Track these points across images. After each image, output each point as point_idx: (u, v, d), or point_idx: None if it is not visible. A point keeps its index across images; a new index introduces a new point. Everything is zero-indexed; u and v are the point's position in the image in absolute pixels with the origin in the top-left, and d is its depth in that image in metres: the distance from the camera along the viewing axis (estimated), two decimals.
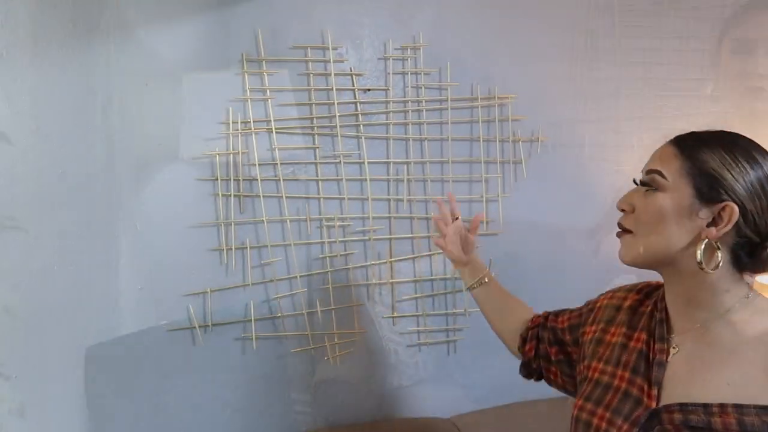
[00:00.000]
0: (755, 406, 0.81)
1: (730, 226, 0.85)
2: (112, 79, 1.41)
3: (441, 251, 1.42)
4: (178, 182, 1.48)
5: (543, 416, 1.68)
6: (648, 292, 1.05)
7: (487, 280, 1.33)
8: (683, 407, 0.85)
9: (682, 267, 0.90)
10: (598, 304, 1.11)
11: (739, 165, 0.86)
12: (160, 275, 1.48)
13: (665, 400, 0.88)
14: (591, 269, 1.88)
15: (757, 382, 0.83)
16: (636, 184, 0.95)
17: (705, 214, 0.87)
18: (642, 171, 0.94)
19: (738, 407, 0.82)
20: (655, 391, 0.90)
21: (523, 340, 1.24)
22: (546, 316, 1.23)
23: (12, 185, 1.34)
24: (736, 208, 0.84)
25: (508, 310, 1.31)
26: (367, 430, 1.61)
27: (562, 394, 1.22)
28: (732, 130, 0.91)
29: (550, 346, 1.18)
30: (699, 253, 0.86)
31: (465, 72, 1.72)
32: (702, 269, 0.87)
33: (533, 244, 1.83)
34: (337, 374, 1.65)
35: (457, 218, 1.39)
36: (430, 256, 1.72)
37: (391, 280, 1.69)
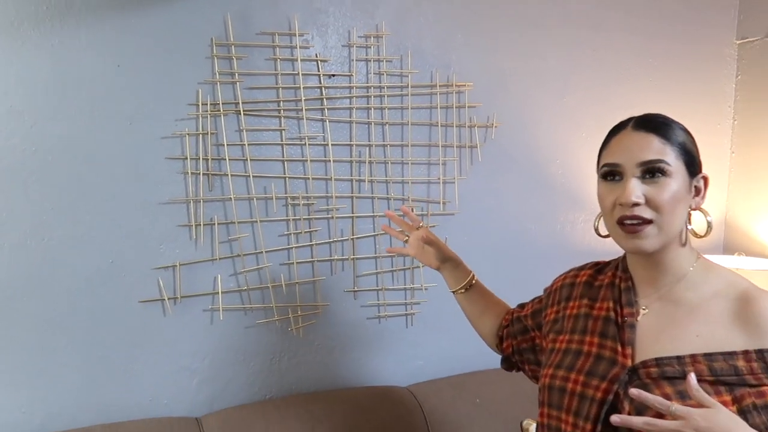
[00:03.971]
0: (722, 353, 0.91)
1: (706, 193, 1.00)
2: (83, 60, 1.45)
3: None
4: (149, 160, 1.53)
5: (493, 384, 1.78)
6: (599, 269, 1.14)
7: (470, 286, 1.34)
8: (659, 361, 0.94)
9: (673, 240, 0.99)
10: (554, 287, 1.20)
11: (693, 138, 1.00)
12: (132, 249, 1.53)
13: (640, 357, 0.97)
14: (542, 249, 2.00)
15: (720, 332, 0.94)
16: (636, 178, 0.96)
17: (692, 189, 0.99)
18: (634, 164, 0.96)
19: (708, 356, 0.92)
20: (629, 350, 0.98)
21: (500, 339, 1.31)
22: (512, 312, 1.31)
23: None
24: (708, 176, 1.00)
25: (488, 312, 1.35)
26: (328, 398, 1.68)
27: None
28: None
29: (519, 338, 1.26)
30: (692, 224, 1.01)
31: (425, 60, 1.80)
32: (699, 237, 1.01)
33: (487, 225, 1.93)
34: (301, 345, 1.73)
35: (420, 227, 1.37)
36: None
37: (352, 257, 1.77)
